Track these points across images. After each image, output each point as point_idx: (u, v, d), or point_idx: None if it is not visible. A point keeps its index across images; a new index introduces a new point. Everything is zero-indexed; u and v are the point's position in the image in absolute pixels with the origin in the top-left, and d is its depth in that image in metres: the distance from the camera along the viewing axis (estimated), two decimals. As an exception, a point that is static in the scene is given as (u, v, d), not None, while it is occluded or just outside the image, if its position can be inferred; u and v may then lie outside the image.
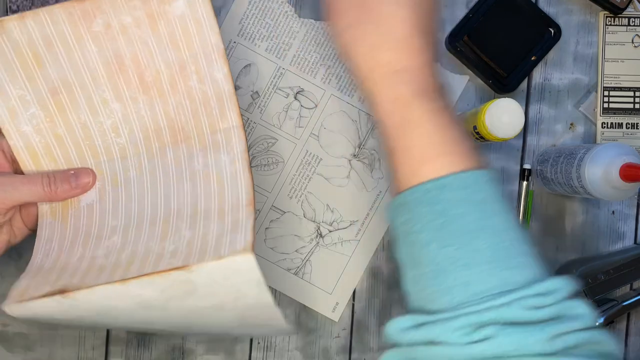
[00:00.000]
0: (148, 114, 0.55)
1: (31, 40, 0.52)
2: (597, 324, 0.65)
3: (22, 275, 0.52)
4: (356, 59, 0.46)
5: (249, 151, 0.57)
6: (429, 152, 0.43)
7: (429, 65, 0.45)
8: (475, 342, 0.39)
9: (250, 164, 0.54)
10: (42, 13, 0.52)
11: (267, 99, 0.66)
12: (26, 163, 0.54)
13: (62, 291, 0.47)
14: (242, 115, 0.56)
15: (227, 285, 0.47)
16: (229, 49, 0.66)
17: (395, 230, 0.46)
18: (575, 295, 0.42)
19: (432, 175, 0.43)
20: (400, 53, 0.45)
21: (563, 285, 0.41)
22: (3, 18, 0.52)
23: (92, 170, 0.55)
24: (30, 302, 0.48)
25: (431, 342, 0.41)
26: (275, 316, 0.50)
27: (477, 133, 0.59)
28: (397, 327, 0.43)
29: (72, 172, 0.54)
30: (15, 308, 0.49)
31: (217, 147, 0.55)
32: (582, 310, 0.41)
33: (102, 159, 0.56)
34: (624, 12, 0.67)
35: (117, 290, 0.47)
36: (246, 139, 0.55)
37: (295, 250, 0.67)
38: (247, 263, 0.46)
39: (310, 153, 0.66)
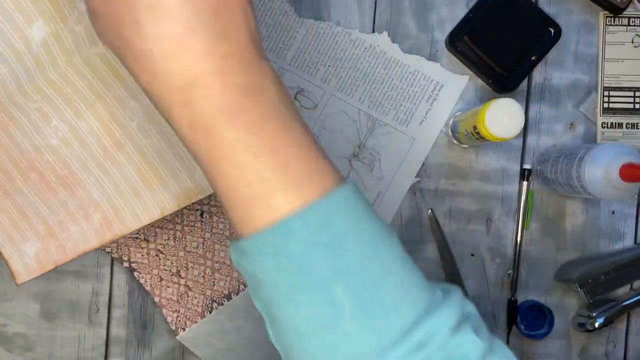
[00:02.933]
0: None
1: None
2: (597, 324, 0.65)
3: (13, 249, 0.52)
4: (132, 74, 0.35)
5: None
6: (255, 190, 0.34)
7: (231, 60, 0.33)
8: None
9: None
10: None
11: (267, 99, 0.66)
12: None
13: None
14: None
15: None
16: (229, 49, 0.66)
17: (244, 277, 0.37)
18: (461, 314, 0.35)
19: (267, 220, 0.34)
20: (177, 61, 0.33)
21: (446, 316, 0.34)
22: None
23: None
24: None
25: None
26: None
27: (478, 133, 0.59)
28: None
29: None
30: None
31: None
32: (470, 345, 0.34)
33: None
34: (624, 12, 0.67)
35: None
36: None
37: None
38: None
39: None
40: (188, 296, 0.65)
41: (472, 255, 0.68)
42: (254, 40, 0.35)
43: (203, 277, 0.65)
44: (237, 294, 0.65)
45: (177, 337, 0.65)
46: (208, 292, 0.65)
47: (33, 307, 0.65)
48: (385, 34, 0.67)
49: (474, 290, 0.68)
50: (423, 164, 0.67)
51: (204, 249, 0.65)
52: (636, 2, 0.68)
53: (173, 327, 0.65)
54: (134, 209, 0.52)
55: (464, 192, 0.68)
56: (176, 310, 0.65)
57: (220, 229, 0.65)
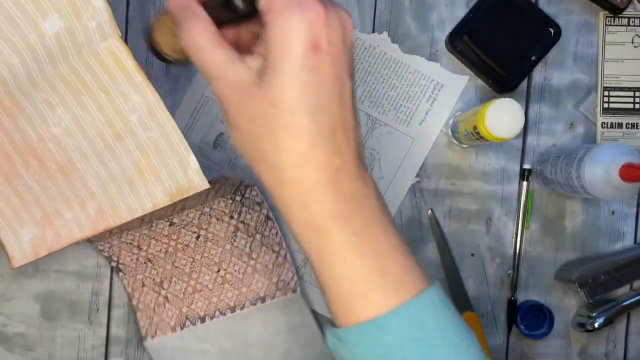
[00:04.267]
0: None
1: None
2: (596, 324, 0.65)
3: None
4: (259, 176, 0.40)
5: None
6: (358, 287, 0.39)
7: (342, 170, 0.38)
8: None
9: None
10: None
11: (267, 99, 0.66)
12: None
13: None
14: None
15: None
16: (229, 49, 0.66)
17: None
18: None
19: (366, 315, 0.38)
20: (302, 171, 0.38)
21: None
22: None
23: None
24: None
25: None
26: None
27: (477, 133, 0.59)
28: None
29: None
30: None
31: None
32: None
33: None
34: (624, 12, 0.67)
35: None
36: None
37: (296, 250, 0.66)
38: None
39: None
40: (165, 307, 0.65)
41: (472, 255, 0.68)
42: (360, 154, 0.40)
43: (183, 293, 0.65)
44: (211, 318, 0.65)
45: (144, 343, 0.65)
46: (184, 309, 0.65)
47: (33, 307, 0.65)
48: (385, 34, 0.67)
49: (474, 290, 0.68)
50: (423, 164, 0.67)
51: (191, 268, 0.65)
52: (636, 2, 0.68)
53: (142, 333, 0.65)
54: (128, 200, 0.53)
55: (463, 192, 0.68)
56: (149, 317, 0.65)
57: (212, 255, 0.65)
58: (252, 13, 0.38)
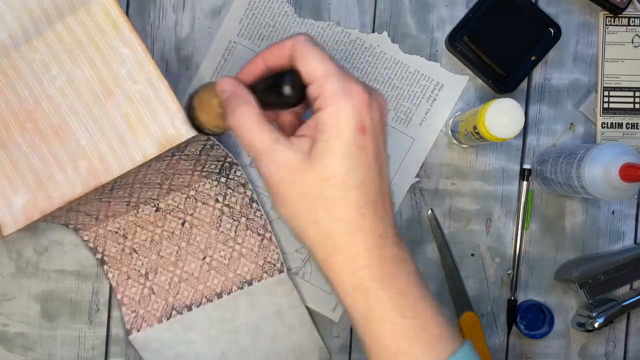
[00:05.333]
0: None
1: None
2: (596, 324, 0.65)
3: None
4: (311, 245, 0.43)
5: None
6: (399, 343, 0.42)
7: (385, 236, 0.43)
8: None
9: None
10: None
11: (267, 99, 0.66)
12: None
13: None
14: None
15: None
16: (229, 49, 0.66)
17: None
18: None
19: None
20: (352, 237, 0.42)
21: None
22: None
23: None
24: None
25: None
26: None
27: (477, 133, 0.59)
28: None
29: None
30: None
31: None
32: None
33: None
34: (624, 12, 0.67)
35: None
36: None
37: (295, 250, 0.67)
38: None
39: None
40: (150, 299, 0.65)
41: (472, 255, 0.68)
42: (395, 222, 0.44)
43: (169, 284, 0.65)
44: (198, 306, 0.65)
45: (129, 337, 0.64)
46: (170, 299, 0.65)
47: (33, 307, 0.65)
48: (385, 34, 0.67)
49: (474, 290, 0.68)
50: (423, 164, 0.67)
51: (176, 257, 0.65)
52: (636, 2, 0.68)
53: (127, 327, 0.64)
54: (118, 155, 0.54)
55: (463, 192, 0.68)
56: (135, 311, 0.65)
57: (197, 242, 0.65)
58: (299, 100, 0.43)
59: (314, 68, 0.42)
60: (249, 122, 0.42)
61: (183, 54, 0.66)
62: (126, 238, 0.64)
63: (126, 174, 0.54)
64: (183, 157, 0.60)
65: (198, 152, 0.60)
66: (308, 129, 0.42)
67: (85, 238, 0.64)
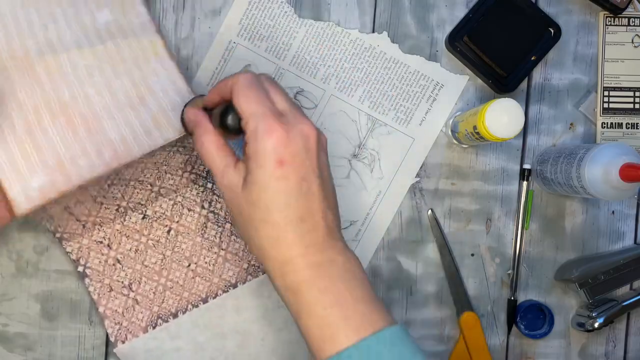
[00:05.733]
0: None
1: None
2: (596, 324, 0.65)
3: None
4: (251, 252, 0.55)
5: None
6: (325, 331, 0.48)
7: (312, 246, 0.49)
8: None
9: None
10: None
11: (267, 99, 0.66)
12: None
13: None
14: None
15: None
16: (229, 50, 0.66)
17: None
18: None
19: (333, 350, 0.48)
20: (277, 250, 0.50)
21: None
22: None
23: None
24: None
25: None
26: None
27: (477, 133, 0.59)
28: None
29: None
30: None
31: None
32: None
33: None
34: (624, 12, 0.67)
35: None
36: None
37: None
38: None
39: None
40: (134, 310, 0.64)
41: (472, 255, 0.68)
42: (332, 228, 0.51)
43: (154, 293, 0.65)
44: (184, 313, 0.64)
45: (114, 350, 0.64)
46: (155, 309, 0.64)
47: (33, 307, 0.65)
48: (385, 34, 0.67)
49: (474, 290, 0.68)
50: (423, 164, 0.67)
51: (161, 265, 0.65)
52: (636, 2, 0.68)
53: (112, 339, 0.64)
54: (142, 143, 0.57)
55: (464, 192, 0.68)
56: (119, 323, 0.64)
57: (182, 249, 0.65)
58: (240, 130, 0.51)
59: (244, 108, 0.49)
60: (208, 148, 0.51)
61: (183, 54, 0.66)
62: (110, 248, 0.64)
63: (130, 164, 0.57)
64: (180, 149, 0.61)
65: (192, 146, 0.61)
66: (246, 159, 0.50)
67: (69, 250, 0.64)
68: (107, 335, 0.66)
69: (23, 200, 0.54)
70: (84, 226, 0.63)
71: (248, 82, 0.51)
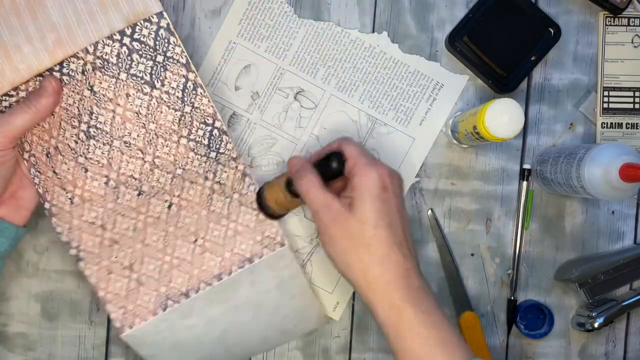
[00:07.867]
0: None
1: None
2: (596, 324, 0.65)
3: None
4: (353, 276, 0.56)
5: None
6: (425, 352, 0.53)
7: (411, 270, 0.55)
8: None
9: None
10: None
11: (267, 99, 0.66)
12: None
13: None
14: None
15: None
16: (229, 50, 0.66)
17: None
18: None
19: None
20: (385, 268, 0.55)
21: None
22: None
23: (51, 76, 0.57)
24: None
25: None
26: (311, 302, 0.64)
27: (477, 133, 0.59)
28: None
29: (38, 87, 0.57)
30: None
31: None
32: None
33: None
34: (623, 12, 0.67)
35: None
36: None
37: (296, 250, 0.67)
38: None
39: (311, 153, 0.66)
40: (139, 292, 0.61)
41: (472, 255, 0.68)
42: (418, 262, 0.57)
43: (159, 272, 0.61)
44: (196, 292, 0.61)
45: (121, 336, 0.61)
46: (163, 289, 0.61)
47: (34, 306, 0.65)
48: (385, 34, 0.67)
49: (474, 290, 0.68)
50: (423, 164, 0.67)
51: (164, 243, 0.61)
52: (636, 2, 0.68)
53: (117, 325, 0.60)
54: (86, 28, 0.57)
55: (463, 192, 0.68)
56: (122, 307, 0.61)
57: (186, 224, 0.61)
58: (341, 171, 0.58)
59: (352, 150, 0.58)
60: (312, 185, 0.57)
61: (183, 54, 0.66)
62: (105, 229, 0.60)
63: (98, 102, 0.57)
64: (164, 96, 0.59)
65: (180, 96, 0.59)
66: (348, 192, 0.57)
67: (59, 230, 0.59)
68: (107, 335, 0.66)
69: None
70: (71, 201, 0.59)
71: (353, 140, 0.60)
